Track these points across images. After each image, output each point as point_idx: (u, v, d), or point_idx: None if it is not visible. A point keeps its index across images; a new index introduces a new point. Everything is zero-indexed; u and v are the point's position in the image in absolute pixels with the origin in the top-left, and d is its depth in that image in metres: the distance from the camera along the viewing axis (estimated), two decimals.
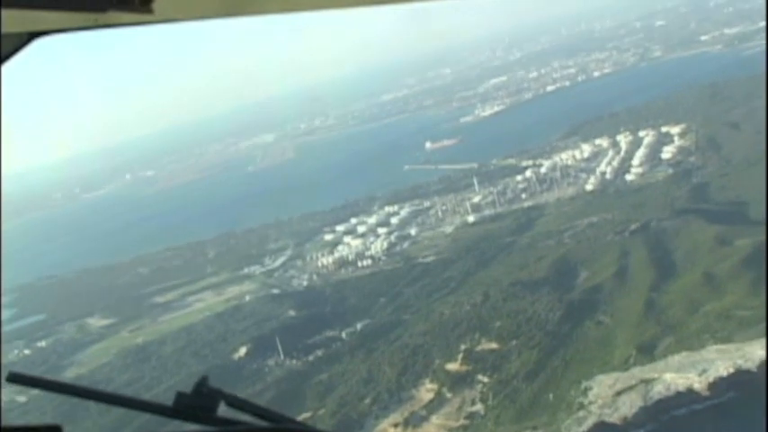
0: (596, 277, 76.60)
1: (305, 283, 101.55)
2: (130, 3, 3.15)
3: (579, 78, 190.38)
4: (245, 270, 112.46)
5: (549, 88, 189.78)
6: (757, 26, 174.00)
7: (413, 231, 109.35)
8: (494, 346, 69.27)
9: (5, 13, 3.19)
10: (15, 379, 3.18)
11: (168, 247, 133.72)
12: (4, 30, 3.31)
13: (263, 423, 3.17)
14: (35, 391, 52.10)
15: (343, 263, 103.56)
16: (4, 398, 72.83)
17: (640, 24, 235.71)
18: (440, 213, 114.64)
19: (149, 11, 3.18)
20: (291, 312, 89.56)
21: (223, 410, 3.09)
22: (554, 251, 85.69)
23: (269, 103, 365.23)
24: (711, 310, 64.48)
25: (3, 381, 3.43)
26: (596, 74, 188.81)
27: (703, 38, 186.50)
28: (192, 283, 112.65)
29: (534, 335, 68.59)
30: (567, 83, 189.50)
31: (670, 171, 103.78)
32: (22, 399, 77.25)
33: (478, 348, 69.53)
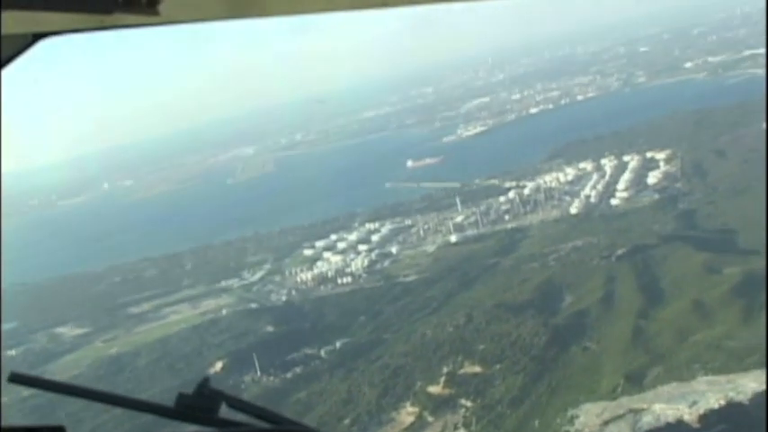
0: (582, 302, 74.94)
1: (283, 299, 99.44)
2: (136, 4, 3.05)
3: (563, 101, 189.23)
4: (223, 283, 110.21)
5: (533, 110, 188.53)
6: (741, 55, 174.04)
7: (394, 249, 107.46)
8: (477, 369, 67.40)
9: (8, 14, 3.10)
10: (17, 379, 3.21)
11: (145, 257, 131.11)
12: (6, 31, 3.26)
13: (265, 424, 3.18)
14: None
15: (322, 279, 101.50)
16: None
17: (624, 50, 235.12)
18: (421, 232, 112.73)
19: (155, 12, 3.11)
20: (269, 328, 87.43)
21: (224, 412, 3.06)
22: (538, 274, 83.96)
23: (249, 116, 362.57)
24: (701, 340, 62.89)
25: (3, 381, 3.33)
26: (580, 97, 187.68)
27: (687, 65, 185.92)
28: (169, 294, 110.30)
29: (519, 359, 66.77)
30: (551, 105, 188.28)
31: (656, 196, 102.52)
32: None
33: (461, 371, 67.66)
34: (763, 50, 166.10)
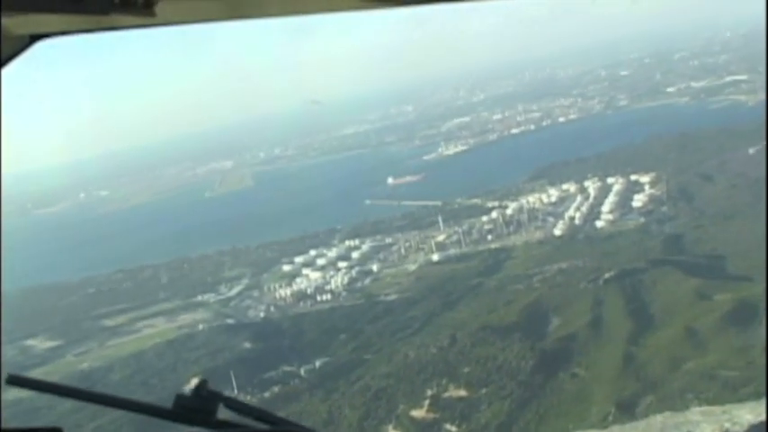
0: (569, 326, 72.55)
1: (261, 315, 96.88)
2: (132, 5, 3.09)
3: (544, 123, 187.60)
4: (199, 297, 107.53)
5: (514, 131, 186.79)
6: (723, 81, 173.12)
7: (375, 267, 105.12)
8: (462, 393, 64.88)
9: (5, 15, 3.15)
10: (15, 381, 3.21)
11: (119, 269, 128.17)
12: (4, 32, 3.30)
13: (263, 426, 3.20)
14: None
15: (301, 296, 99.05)
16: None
17: (605, 73, 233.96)
18: (403, 250, 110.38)
19: (152, 13, 3.15)
20: (247, 344, 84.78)
21: (222, 414, 3.08)
22: (524, 296, 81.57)
23: (228, 129, 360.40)
24: (695, 369, 60.62)
25: (3, 383, 3.34)
26: (561, 119, 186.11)
27: (670, 89, 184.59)
28: (143, 307, 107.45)
29: (506, 384, 64.31)
30: (532, 126, 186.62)
31: (642, 220, 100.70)
32: None
33: (446, 395, 65.11)
34: (745, 77, 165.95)
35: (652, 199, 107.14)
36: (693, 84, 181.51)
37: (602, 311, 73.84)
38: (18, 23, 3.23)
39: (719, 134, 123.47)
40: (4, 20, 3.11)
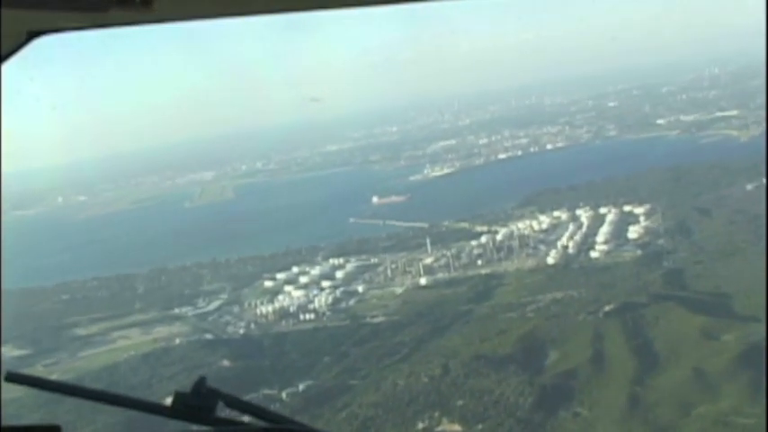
0: (569, 360, 68.12)
1: (241, 331, 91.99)
2: (131, 1, 2.99)
3: (531, 149, 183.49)
4: (177, 310, 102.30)
5: (501, 156, 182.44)
6: (713, 116, 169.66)
7: (360, 288, 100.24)
8: (457, 428, 60.45)
9: (5, 11, 3.04)
10: (13, 378, 3.23)
11: (95, 276, 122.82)
12: (3, 28, 3.22)
13: (262, 423, 3.26)
14: None
15: (284, 314, 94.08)
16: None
17: (592, 103, 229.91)
18: (389, 272, 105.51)
19: (150, 10, 3.03)
20: (225, 362, 79.93)
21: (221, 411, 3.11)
22: (517, 325, 77.06)
23: (211, 140, 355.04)
24: (706, 414, 56.37)
25: (2, 381, 3.27)
26: (549, 146, 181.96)
27: (660, 122, 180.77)
28: (119, 317, 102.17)
29: (503, 421, 59.87)
30: (519, 152, 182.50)
31: (638, 252, 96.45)
32: None
33: (439, 429, 60.69)
34: (735, 113, 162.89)
35: (648, 231, 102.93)
36: (683, 117, 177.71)
37: (603, 347, 69.48)
38: (16, 19, 3.13)
39: (714, 168, 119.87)
40: (3, 15, 2.94)
